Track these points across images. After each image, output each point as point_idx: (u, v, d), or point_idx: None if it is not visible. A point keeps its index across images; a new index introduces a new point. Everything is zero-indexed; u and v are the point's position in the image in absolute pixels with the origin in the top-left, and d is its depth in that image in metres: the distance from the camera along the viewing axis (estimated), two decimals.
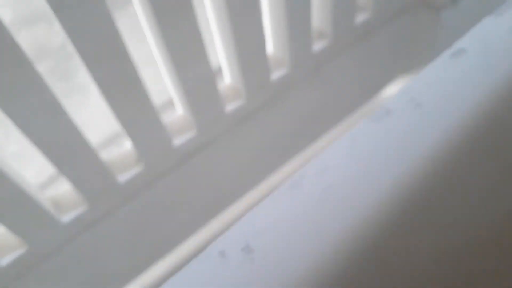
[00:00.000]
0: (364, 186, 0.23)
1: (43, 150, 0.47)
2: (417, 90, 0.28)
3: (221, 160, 0.69)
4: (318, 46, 0.66)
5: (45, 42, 1.22)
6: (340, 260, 0.22)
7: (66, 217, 0.55)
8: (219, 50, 0.59)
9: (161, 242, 0.74)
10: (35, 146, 0.46)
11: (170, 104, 0.74)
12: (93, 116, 0.85)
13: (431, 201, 0.24)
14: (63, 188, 0.56)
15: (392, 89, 0.90)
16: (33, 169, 0.91)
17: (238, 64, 0.58)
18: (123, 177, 0.57)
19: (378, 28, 0.73)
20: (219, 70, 0.64)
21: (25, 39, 1.24)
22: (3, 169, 0.45)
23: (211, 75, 0.55)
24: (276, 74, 0.64)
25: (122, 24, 0.45)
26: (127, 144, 0.58)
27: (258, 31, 0.56)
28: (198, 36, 0.51)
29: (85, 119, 0.75)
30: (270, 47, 0.64)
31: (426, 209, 0.24)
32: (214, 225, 0.87)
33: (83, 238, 0.59)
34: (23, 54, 0.39)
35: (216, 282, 0.22)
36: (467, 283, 0.25)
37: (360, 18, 0.69)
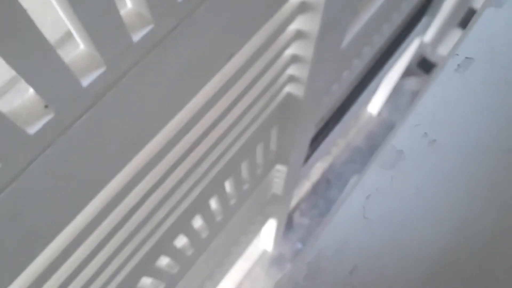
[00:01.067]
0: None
1: None
2: (429, 123, 0.24)
3: (136, 93, 0.63)
4: None
5: None
6: None
7: None
8: None
9: (87, 186, 0.68)
10: None
11: (70, 37, 0.64)
12: None
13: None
14: None
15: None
16: None
17: None
18: (32, 129, 0.50)
19: None
20: None
21: None
22: None
23: (112, 3, 0.47)
24: None
25: None
26: (29, 91, 0.49)
27: None
28: None
29: None
30: None
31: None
32: (139, 160, 0.83)
33: (6, 196, 0.52)
34: None
35: None
36: None
37: None
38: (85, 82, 0.52)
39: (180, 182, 1.06)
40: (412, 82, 6.07)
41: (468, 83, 0.24)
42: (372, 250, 0.21)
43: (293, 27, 1.01)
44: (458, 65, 0.25)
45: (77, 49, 0.53)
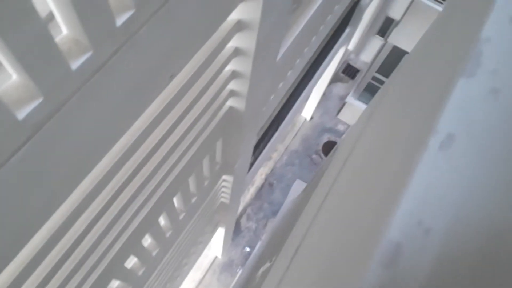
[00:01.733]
0: None
1: None
2: (421, 210, 0.21)
3: (78, 121, 0.58)
4: None
5: None
6: None
7: None
8: None
9: (28, 220, 0.62)
10: None
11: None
12: None
13: None
14: None
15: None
16: None
17: (76, 11, 0.46)
18: None
19: None
20: (52, 20, 0.51)
21: None
22: None
23: (44, 30, 0.43)
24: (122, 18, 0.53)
25: None
26: None
27: None
28: None
29: None
30: None
31: None
32: (85, 185, 0.78)
33: None
34: None
35: None
36: None
37: None
38: (21, 114, 0.47)
39: (128, 203, 1.01)
40: (339, 88, 6.36)
41: (453, 162, 0.23)
42: None
43: (231, 44, 1.01)
44: (441, 143, 0.24)
45: (9, 80, 0.48)
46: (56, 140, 0.55)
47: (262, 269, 1.35)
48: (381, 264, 0.20)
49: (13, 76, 0.48)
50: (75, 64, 0.50)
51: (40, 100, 0.48)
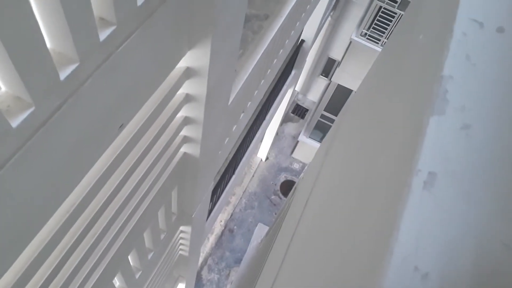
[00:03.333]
0: None
1: None
2: (415, 256, 0.21)
3: (20, 182, 0.55)
4: None
5: None
6: None
7: None
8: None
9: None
10: None
11: None
12: None
13: None
14: None
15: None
16: None
17: (15, 67, 0.44)
18: None
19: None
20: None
21: None
22: None
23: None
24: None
25: None
26: None
27: None
28: None
29: None
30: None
31: None
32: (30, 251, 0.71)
33: None
34: None
35: None
36: None
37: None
38: (15, 122, 0.43)
39: (79, 266, 0.94)
40: (290, 127, 6.55)
41: (439, 201, 0.24)
42: None
43: (182, 91, 1.02)
44: (424, 182, 0.25)
45: None
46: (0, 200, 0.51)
47: None
48: None
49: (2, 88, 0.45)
50: (15, 122, 0.48)
51: (32, 108, 0.45)
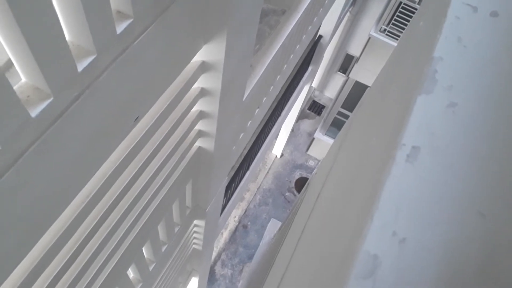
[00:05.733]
0: None
1: None
2: (394, 221, 0.23)
3: (38, 173, 0.57)
4: None
5: None
6: None
7: None
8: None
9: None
10: None
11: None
12: None
13: None
14: None
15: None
16: None
17: (35, 58, 0.46)
18: None
19: None
20: (11, 68, 0.50)
21: None
22: None
23: (1, 78, 0.43)
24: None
25: None
26: None
27: None
28: None
29: None
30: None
31: None
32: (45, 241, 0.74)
33: None
34: None
35: None
36: None
37: None
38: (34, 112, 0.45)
39: (94, 256, 0.96)
40: (306, 124, 6.52)
41: (421, 174, 0.25)
42: None
43: (197, 85, 1.03)
44: (407, 155, 0.26)
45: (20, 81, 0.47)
46: (13, 191, 0.53)
47: None
48: (360, 276, 0.21)
49: (23, 78, 0.46)
50: (34, 112, 0.50)
51: (51, 99, 0.47)
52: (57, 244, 0.75)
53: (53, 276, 0.81)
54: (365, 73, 4.95)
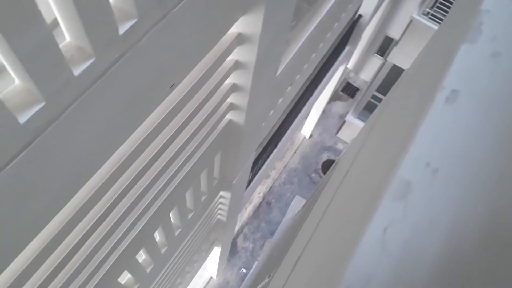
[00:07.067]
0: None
1: None
2: (429, 153, 0.25)
3: (78, 128, 0.59)
4: None
5: None
6: None
7: None
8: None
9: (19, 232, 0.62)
10: None
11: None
12: None
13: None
14: None
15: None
16: None
17: (80, 19, 0.47)
18: None
19: None
20: (56, 27, 0.52)
21: None
22: None
23: (49, 36, 0.44)
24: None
25: None
26: None
27: None
28: None
29: None
30: None
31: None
32: (79, 198, 0.78)
33: None
34: None
35: None
36: None
37: None
38: (23, 118, 0.48)
39: (124, 215, 1.01)
40: (338, 106, 6.41)
41: (458, 115, 0.26)
42: (396, 283, 0.21)
43: (232, 57, 1.03)
44: (447, 97, 0.27)
45: (12, 84, 0.49)
46: (56, 145, 0.56)
47: (260, 286, 1.34)
48: (393, 198, 0.22)
49: (16, 81, 0.49)
50: (77, 71, 0.52)
51: (42, 105, 0.49)
52: (90, 201, 0.80)
53: (85, 231, 0.85)
54: (403, 57, 4.78)
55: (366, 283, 0.22)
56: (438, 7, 4.24)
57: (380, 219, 0.22)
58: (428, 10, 4.29)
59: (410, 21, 4.50)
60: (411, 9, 4.70)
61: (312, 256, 0.49)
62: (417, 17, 4.32)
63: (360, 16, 3.67)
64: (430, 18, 4.27)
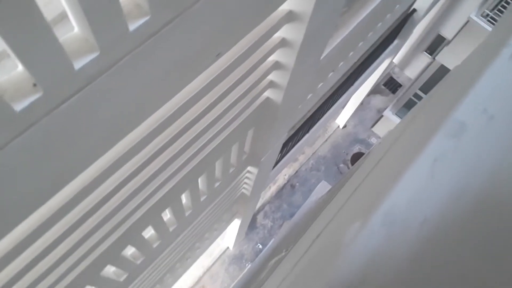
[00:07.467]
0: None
1: None
2: (487, 100, 0.25)
3: (126, 81, 0.61)
4: None
5: None
6: None
7: None
8: None
9: (64, 170, 0.66)
10: None
11: (63, 18, 0.61)
12: None
13: None
14: None
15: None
16: None
17: None
18: (18, 106, 0.48)
19: None
20: None
21: None
22: None
23: None
24: None
25: None
26: (18, 68, 0.47)
27: None
28: None
29: None
30: None
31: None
32: (119, 148, 0.81)
33: None
34: None
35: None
36: None
37: None
38: (77, 65, 0.50)
39: (158, 172, 1.05)
40: (378, 100, 6.25)
41: None
42: (441, 205, 0.22)
43: (279, 34, 1.03)
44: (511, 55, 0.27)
45: (70, 32, 0.52)
46: (104, 95, 0.58)
47: (275, 259, 1.37)
48: (446, 134, 0.23)
49: (75, 28, 0.51)
50: (132, 26, 0.53)
51: (96, 54, 0.51)
52: (130, 152, 0.83)
53: (122, 179, 0.89)
54: (453, 58, 4.57)
55: (412, 204, 0.23)
56: (499, 10, 3.99)
57: (432, 150, 0.23)
58: (488, 12, 4.05)
59: (467, 22, 4.27)
60: (469, 9, 4.45)
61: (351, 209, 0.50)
62: (475, 18, 4.09)
63: (414, 10, 3.52)
64: (488, 20, 4.03)
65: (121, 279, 1.57)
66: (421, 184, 0.23)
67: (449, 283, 0.22)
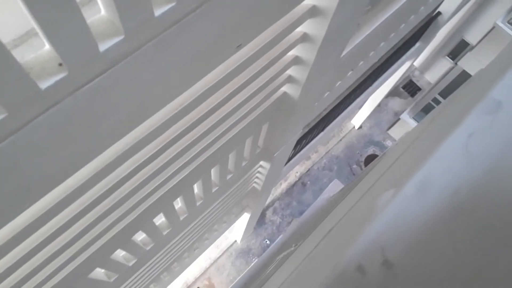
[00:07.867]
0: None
1: None
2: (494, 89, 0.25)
3: (148, 66, 0.62)
4: None
5: None
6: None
7: None
8: None
9: (84, 149, 0.68)
10: None
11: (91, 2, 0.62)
12: None
13: None
14: None
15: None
16: None
17: None
18: (44, 84, 0.49)
19: None
20: None
21: None
22: None
23: None
24: None
25: None
26: (45, 47, 0.48)
27: None
28: None
29: None
30: None
31: None
32: (135, 134, 0.82)
33: (8, 145, 0.51)
34: None
35: None
36: None
37: None
38: (103, 47, 0.51)
39: (171, 161, 1.06)
40: (396, 102, 6.17)
41: None
42: (473, 179, 0.23)
43: (300, 29, 1.02)
44: None
45: (97, 14, 0.52)
46: (125, 78, 0.59)
47: (283, 253, 1.37)
48: (482, 111, 0.23)
49: (102, 11, 0.52)
50: (158, 12, 0.54)
51: (121, 37, 0.52)
52: (144, 140, 0.84)
53: (137, 164, 0.91)
54: (476, 64, 4.47)
55: (446, 175, 0.23)
56: None
57: (468, 125, 0.23)
58: None
59: (492, 28, 4.18)
60: (496, 15, 4.34)
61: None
62: (501, 25, 3.99)
63: (439, 13, 3.45)
64: None
65: (130, 264, 1.60)
66: (456, 156, 0.23)
67: (474, 254, 0.23)
